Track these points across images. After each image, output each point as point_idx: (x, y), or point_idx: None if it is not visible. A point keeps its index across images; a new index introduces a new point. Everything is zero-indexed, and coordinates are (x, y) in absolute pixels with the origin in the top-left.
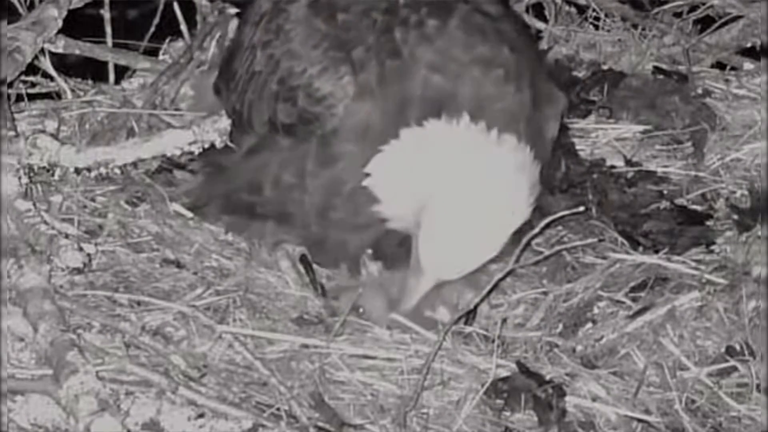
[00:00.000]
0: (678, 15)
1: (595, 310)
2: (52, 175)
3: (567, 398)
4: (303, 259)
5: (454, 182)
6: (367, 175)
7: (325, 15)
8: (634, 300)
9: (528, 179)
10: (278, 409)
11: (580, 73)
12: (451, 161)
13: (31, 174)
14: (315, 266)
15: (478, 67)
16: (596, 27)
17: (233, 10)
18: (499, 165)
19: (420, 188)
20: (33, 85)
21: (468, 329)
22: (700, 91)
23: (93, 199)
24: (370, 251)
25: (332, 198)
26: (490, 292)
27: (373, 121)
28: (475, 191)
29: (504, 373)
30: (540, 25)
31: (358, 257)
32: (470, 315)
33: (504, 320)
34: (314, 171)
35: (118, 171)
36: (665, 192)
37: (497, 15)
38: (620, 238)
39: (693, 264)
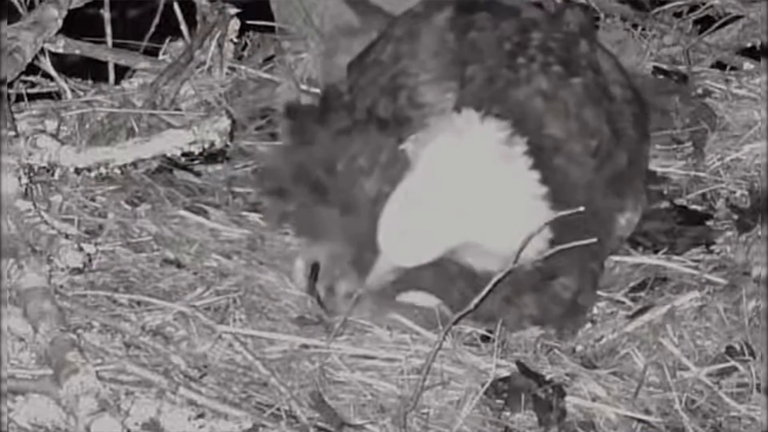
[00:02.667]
0: (678, 15)
1: (595, 310)
2: (52, 175)
3: (567, 398)
4: (314, 266)
5: (439, 170)
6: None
7: (459, 31)
8: (633, 300)
9: (542, 221)
10: (278, 409)
11: None
12: (463, 157)
13: (31, 174)
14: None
15: (577, 124)
16: (596, 27)
17: (233, 10)
18: (515, 185)
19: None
20: (33, 85)
21: (468, 329)
22: (700, 91)
23: (93, 199)
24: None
25: (386, 188)
26: (489, 292)
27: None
28: (457, 184)
29: (504, 373)
30: None
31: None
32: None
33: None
34: (387, 163)
35: (118, 171)
36: (665, 192)
37: (620, 98)
38: None
39: (693, 264)
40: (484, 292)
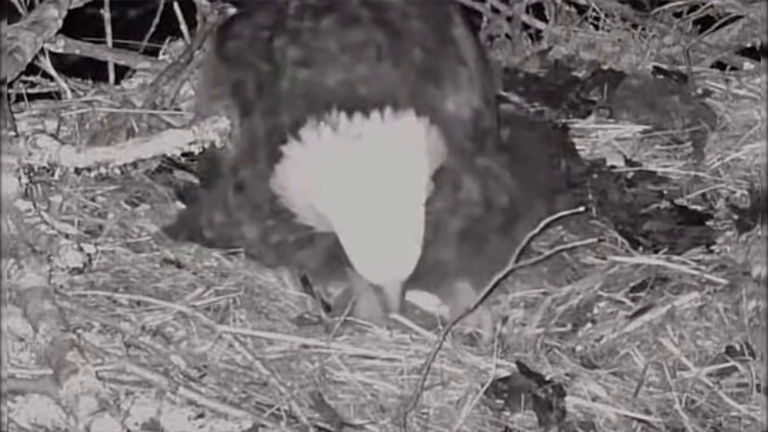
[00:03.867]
0: (678, 15)
1: (595, 310)
2: (52, 175)
3: (567, 398)
4: (303, 279)
5: (348, 178)
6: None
7: (219, 46)
8: (634, 300)
9: (422, 149)
10: (278, 409)
11: (580, 73)
12: (340, 156)
13: (31, 174)
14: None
15: (348, 53)
16: (596, 27)
17: (233, 10)
18: (384, 144)
19: (319, 188)
20: (33, 85)
21: (468, 329)
22: (700, 91)
23: (93, 199)
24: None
25: (263, 223)
26: (489, 292)
27: (258, 133)
28: (372, 181)
29: (504, 373)
30: (540, 25)
31: (327, 274)
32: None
33: (504, 320)
34: (236, 204)
35: (118, 171)
36: (665, 192)
37: (401, 11)
38: (620, 238)
39: (693, 264)
40: (486, 290)
